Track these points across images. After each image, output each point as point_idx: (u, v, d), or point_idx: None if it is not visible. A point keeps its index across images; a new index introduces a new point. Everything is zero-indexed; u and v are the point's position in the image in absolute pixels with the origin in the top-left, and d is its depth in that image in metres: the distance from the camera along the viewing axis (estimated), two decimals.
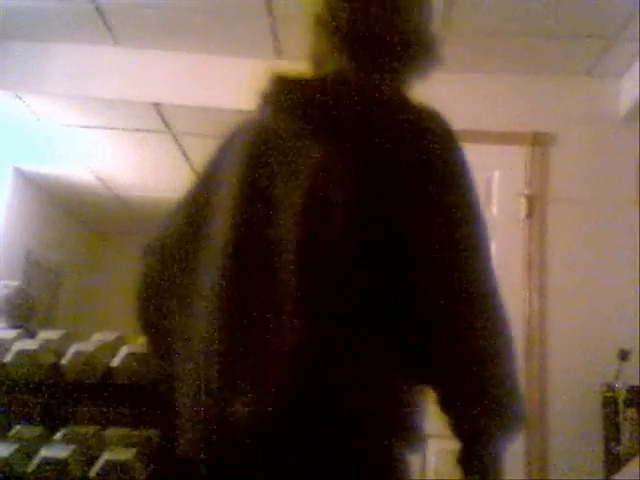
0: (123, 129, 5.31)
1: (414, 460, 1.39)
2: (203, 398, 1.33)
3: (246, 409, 1.26)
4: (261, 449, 1.28)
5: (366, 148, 1.33)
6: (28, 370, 3.06)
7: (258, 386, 1.27)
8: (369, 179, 1.31)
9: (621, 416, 3.72)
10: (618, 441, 3.72)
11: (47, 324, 6.08)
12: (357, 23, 1.50)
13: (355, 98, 1.41)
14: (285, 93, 1.48)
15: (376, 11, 1.51)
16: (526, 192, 4.21)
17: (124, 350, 3.14)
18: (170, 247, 1.57)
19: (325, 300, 1.30)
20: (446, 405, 1.29)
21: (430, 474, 3.72)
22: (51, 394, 3.09)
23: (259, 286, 1.32)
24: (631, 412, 3.68)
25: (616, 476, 3.39)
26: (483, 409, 1.27)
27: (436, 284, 1.29)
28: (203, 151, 5.75)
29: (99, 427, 3.06)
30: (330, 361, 1.29)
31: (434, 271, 1.29)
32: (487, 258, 1.33)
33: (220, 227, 1.41)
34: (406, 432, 1.34)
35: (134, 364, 3.07)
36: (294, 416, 1.27)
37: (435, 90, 4.22)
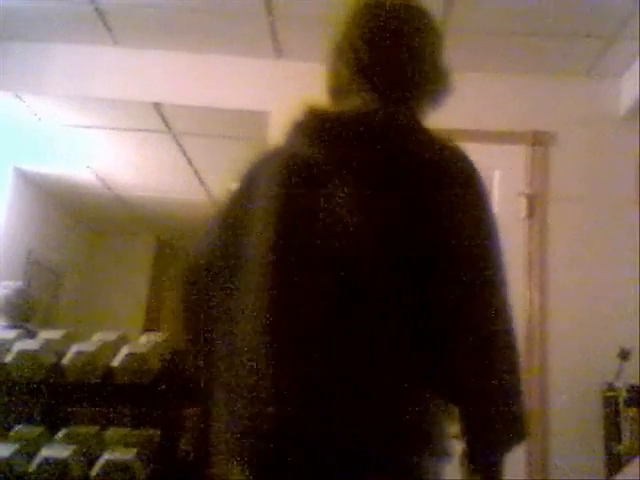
0: (123, 129, 5.31)
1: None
2: (252, 407, 1.41)
3: (288, 416, 1.37)
4: (303, 452, 1.38)
5: (400, 179, 1.44)
6: (29, 370, 3.06)
7: (302, 398, 1.38)
8: (404, 209, 1.42)
9: (622, 416, 3.72)
10: (619, 441, 3.72)
11: (48, 324, 6.09)
12: (378, 59, 1.59)
13: (387, 134, 1.50)
14: (321, 126, 1.56)
15: (395, 47, 1.60)
16: (526, 192, 4.21)
17: (125, 350, 3.14)
18: (210, 269, 1.61)
19: (365, 321, 1.39)
20: (462, 413, 1.39)
21: None
22: (52, 394, 3.09)
23: (300, 306, 1.41)
24: (632, 412, 3.68)
25: (617, 476, 3.39)
26: (494, 418, 1.38)
27: (460, 303, 1.40)
28: (203, 151, 5.75)
29: (100, 427, 3.06)
30: (370, 378, 1.38)
31: (461, 291, 1.40)
32: (505, 281, 1.48)
33: (260, 248, 1.48)
34: (436, 444, 1.43)
35: (135, 364, 3.07)
36: (333, 425, 1.37)
37: None
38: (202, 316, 1.60)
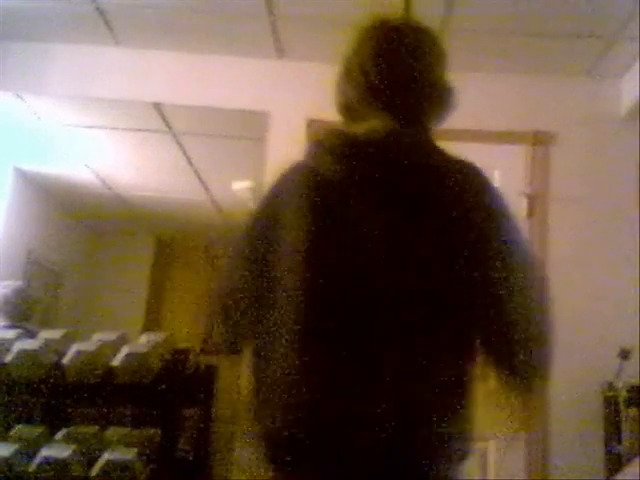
0: (124, 129, 5.31)
1: None
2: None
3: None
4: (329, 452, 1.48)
5: (425, 197, 1.54)
6: (29, 370, 3.06)
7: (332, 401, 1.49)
8: (433, 227, 1.53)
9: (622, 415, 3.72)
10: (619, 441, 3.73)
11: (48, 324, 6.09)
12: (389, 81, 1.66)
13: (408, 154, 1.60)
14: (346, 147, 1.62)
15: (404, 68, 1.67)
16: (527, 191, 4.21)
17: (125, 350, 3.13)
18: (241, 289, 1.68)
19: (394, 330, 1.50)
20: (498, 359, 1.57)
21: None
22: (52, 394, 3.09)
23: (332, 316, 1.52)
24: (632, 411, 3.68)
25: (617, 476, 3.39)
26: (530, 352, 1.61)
27: (497, 295, 1.53)
28: (204, 151, 5.74)
29: (100, 427, 3.06)
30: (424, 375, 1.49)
31: (494, 294, 1.53)
32: (533, 284, 1.67)
33: (293, 261, 1.57)
34: (460, 447, 1.53)
35: (135, 364, 3.07)
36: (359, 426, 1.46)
37: None
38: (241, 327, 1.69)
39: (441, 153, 1.61)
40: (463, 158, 1.60)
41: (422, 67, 1.69)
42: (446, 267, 1.49)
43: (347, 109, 1.72)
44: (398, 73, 1.67)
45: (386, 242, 1.51)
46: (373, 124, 1.63)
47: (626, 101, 4.28)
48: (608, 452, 3.85)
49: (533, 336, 1.61)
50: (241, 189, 5.74)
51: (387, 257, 1.50)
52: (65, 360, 3.09)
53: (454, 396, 1.51)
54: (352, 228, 1.53)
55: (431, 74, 1.70)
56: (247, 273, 1.67)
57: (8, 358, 3.10)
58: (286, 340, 1.53)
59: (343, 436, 1.45)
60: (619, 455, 3.69)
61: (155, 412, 3.08)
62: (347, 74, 1.72)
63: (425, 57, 1.71)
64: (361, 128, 1.64)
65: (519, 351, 1.57)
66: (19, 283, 4.81)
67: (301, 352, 1.51)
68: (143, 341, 3.20)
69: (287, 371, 1.52)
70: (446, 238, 1.51)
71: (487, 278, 1.52)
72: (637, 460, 3.23)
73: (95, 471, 2.90)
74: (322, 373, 1.49)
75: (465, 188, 1.55)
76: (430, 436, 1.46)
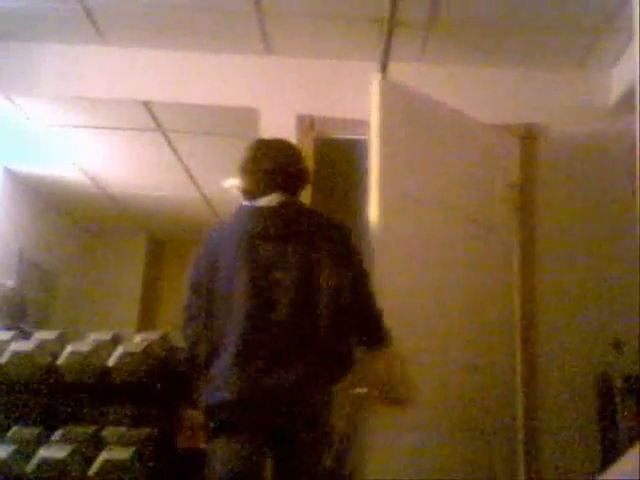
0: (113, 128, 5.31)
1: None
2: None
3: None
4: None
5: (310, 236, 2.80)
6: (24, 371, 3.07)
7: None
8: (315, 253, 2.77)
9: (618, 406, 3.73)
10: (614, 431, 3.74)
11: (42, 325, 6.08)
12: (278, 171, 2.89)
13: (300, 215, 2.88)
14: (256, 212, 2.86)
15: (283, 163, 2.91)
16: (518, 183, 4.22)
17: (119, 349, 3.14)
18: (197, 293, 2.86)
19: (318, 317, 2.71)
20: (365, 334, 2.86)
21: None
22: (48, 394, 3.09)
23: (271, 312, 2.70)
24: (627, 402, 3.70)
25: (612, 467, 3.40)
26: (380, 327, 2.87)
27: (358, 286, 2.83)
28: (194, 148, 5.75)
29: (97, 427, 3.07)
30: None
31: (358, 281, 2.83)
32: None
33: (238, 280, 2.75)
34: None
35: (130, 363, 3.08)
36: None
37: (426, 82, 4.23)
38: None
39: (316, 212, 2.97)
40: (328, 216, 2.92)
41: (293, 161, 2.96)
42: (322, 269, 2.73)
43: (250, 192, 2.91)
44: (281, 166, 2.90)
45: (279, 256, 2.73)
46: (270, 198, 2.84)
47: (616, 92, 4.29)
48: (603, 443, 3.87)
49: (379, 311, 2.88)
50: (232, 186, 5.74)
51: (283, 266, 2.72)
52: (60, 361, 3.09)
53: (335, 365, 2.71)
54: (262, 252, 2.74)
55: (297, 165, 2.96)
56: (202, 282, 2.82)
57: (3, 359, 3.10)
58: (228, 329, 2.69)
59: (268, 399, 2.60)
60: (615, 445, 3.71)
61: (152, 411, 3.09)
62: (247, 171, 2.94)
63: (293, 156, 2.98)
64: (262, 202, 2.85)
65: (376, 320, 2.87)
66: (11, 282, 4.81)
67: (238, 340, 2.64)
68: (138, 340, 3.21)
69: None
70: (316, 254, 2.74)
71: (351, 274, 2.80)
72: (633, 451, 3.24)
73: (93, 470, 2.91)
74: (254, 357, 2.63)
75: (329, 225, 2.87)
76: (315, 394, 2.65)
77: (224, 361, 2.61)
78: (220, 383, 2.59)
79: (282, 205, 2.81)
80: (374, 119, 3.44)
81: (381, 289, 3.00)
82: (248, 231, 2.78)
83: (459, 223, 3.71)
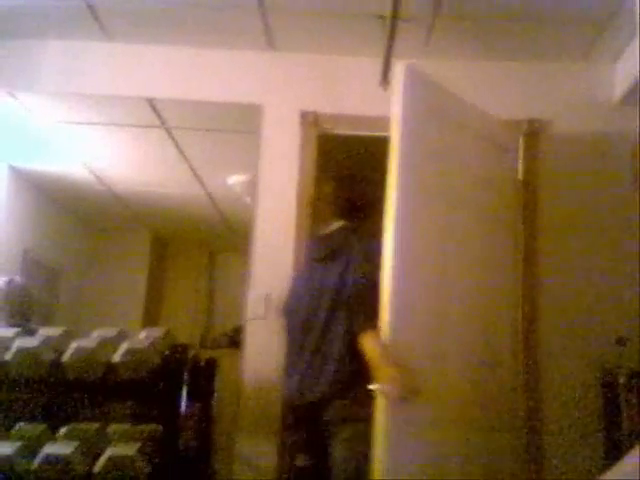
0: (117, 125, 5.30)
1: None
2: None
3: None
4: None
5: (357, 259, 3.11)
6: (29, 368, 3.07)
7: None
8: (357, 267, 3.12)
9: (622, 402, 3.72)
10: (618, 427, 3.73)
11: (47, 322, 6.08)
12: (343, 200, 3.30)
13: (352, 240, 3.19)
14: (323, 241, 3.36)
15: (349, 193, 3.31)
16: (521, 178, 4.21)
17: (124, 346, 3.14)
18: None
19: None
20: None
21: None
22: (52, 391, 3.10)
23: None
24: (631, 397, 3.68)
25: (617, 464, 3.40)
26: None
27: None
28: (198, 144, 5.72)
29: (101, 423, 3.07)
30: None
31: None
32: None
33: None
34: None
35: (135, 360, 3.08)
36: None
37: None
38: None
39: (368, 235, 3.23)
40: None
41: (358, 190, 3.32)
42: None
43: (322, 219, 3.37)
44: (348, 197, 3.30)
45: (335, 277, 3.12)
46: (333, 225, 3.29)
47: (620, 86, 4.27)
48: (607, 439, 3.86)
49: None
50: (236, 182, 5.74)
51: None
52: (65, 357, 3.09)
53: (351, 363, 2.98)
54: (320, 273, 3.19)
55: (364, 193, 3.32)
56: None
57: (8, 356, 3.10)
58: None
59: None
60: (619, 441, 3.70)
61: (156, 407, 3.09)
62: (321, 199, 3.52)
63: (358, 183, 3.36)
64: (327, 229, 3.31)
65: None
66: (17, 277, 4.81)
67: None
68: (142, 337, 3.21)
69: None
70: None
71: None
72: (637, 447, 3.23)
73: (98, 467, 2.91)
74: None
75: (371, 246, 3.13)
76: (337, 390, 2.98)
77: None
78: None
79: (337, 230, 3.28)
80: (396, 109, 3.29)
81: (397, 283, 3.02)
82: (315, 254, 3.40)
83: (474, 219, 3.68)
